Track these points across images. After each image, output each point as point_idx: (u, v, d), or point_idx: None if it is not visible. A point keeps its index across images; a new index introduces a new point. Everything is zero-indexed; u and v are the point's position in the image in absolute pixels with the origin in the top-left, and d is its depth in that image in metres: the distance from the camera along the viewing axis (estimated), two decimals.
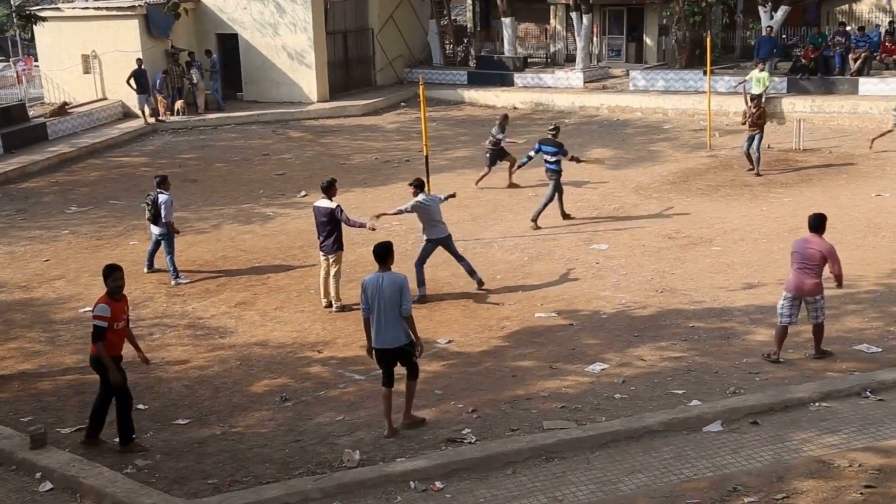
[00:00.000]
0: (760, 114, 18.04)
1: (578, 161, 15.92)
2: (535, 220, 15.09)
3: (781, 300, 9.67)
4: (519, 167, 16.84)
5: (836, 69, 24.91)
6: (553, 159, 15.07)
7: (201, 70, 26.81)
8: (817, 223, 9.62)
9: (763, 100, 19.72)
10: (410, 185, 12.19)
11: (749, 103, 18.77)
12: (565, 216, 15.44)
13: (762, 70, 21.05)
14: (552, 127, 15.97)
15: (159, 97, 25.92)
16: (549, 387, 9.22)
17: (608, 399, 8.84)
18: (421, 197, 12.01)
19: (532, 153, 15.71)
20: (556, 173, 15.08)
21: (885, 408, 8.30)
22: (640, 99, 26.09)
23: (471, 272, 12.29)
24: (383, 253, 8.32)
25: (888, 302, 11.22)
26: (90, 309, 9.46)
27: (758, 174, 17.85)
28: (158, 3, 26.37)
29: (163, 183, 13.12)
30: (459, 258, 12.30)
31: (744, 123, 18.39)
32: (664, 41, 30.49)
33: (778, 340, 9.68)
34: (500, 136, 17.55)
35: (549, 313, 11.46)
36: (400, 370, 8.43)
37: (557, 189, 15.16)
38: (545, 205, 15.13)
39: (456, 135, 24.08)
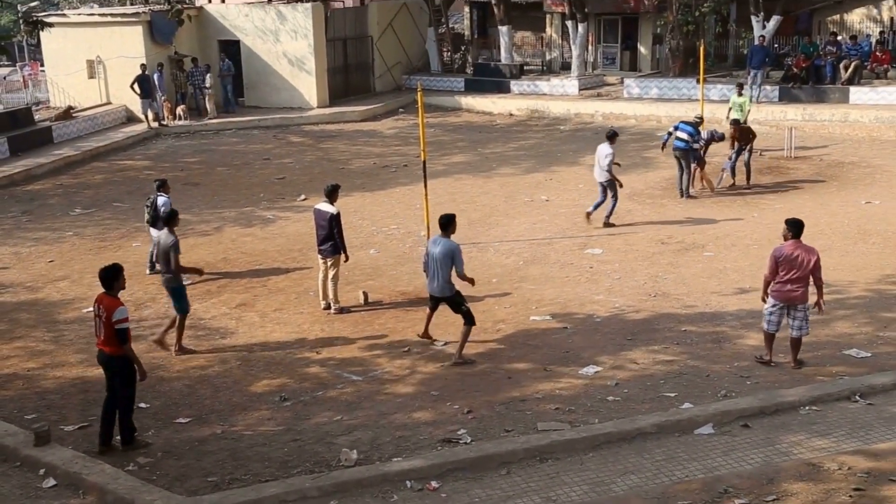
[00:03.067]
0: (742, 134, 17.62)
1: (700, 163, 17.20)
2: (688, 193, 17.00)
3: (769, 307, 9.69)
4: (663, 145, 17.69)
5: (827, 78, 25.17)
6: (685, 137, 16.61)
7: (207, 75, 27.02)
8: (800, 229, 9.60)
9: (744, 121, 18.59)
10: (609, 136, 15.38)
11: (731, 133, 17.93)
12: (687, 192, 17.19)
13: (740, 94, 19.78)
14: (698, 115, 17.70)
15: (165, 103, 26.10)
16: (543, 389, 9.29)
17: (601, 401, 8.91)
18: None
19: (671, 129, 17.21)
20: (682, 151, 16.71)
21: (875, 412, 8.38)
22: (635, 106, 26.31)
23: (597, 206, 15.35)
24: (444, 222, 10.21)
25: (878, 307, 11.32)
26: (91, 309, 9.57)
27: (748, 186, 17.73)
28: (162, 9, 26.65)
29: (162, 186, 13.26)
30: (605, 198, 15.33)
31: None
32: (658, 50, 30.76)
33: (768, 345, 9.79)
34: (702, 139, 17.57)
35: (543, 316, 11.53)
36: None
37: (695, 160, 16.94)
38: (689, 178, 17.00)
39: (453, 140, 24.24)
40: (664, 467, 7.46)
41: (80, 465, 7.72)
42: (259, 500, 7.12)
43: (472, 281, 10.46)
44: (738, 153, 17.74)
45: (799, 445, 7.71)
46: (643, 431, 8.07)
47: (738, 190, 17.68)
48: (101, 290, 8.23)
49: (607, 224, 15.33)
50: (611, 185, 15.24)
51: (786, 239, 9.64)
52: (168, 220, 10.81)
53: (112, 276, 8.17)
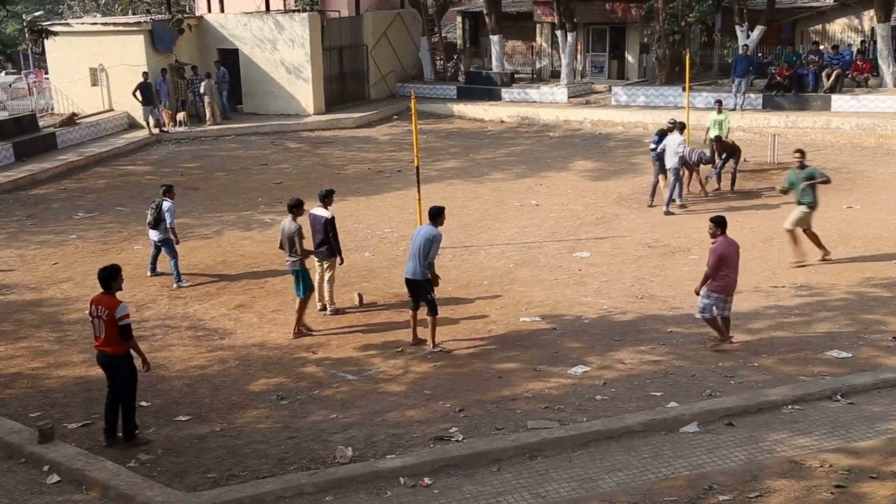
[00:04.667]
0: (725, 147, 17.99)
1: (690, 168, 17.59)
2: (652, 199, 17.15)
3: (712, 301, 10.07)
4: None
5: (809, 86, 25.57)
6: (653, 146, 17.08)
7: (207, 82, 27.17)
8: (726, 225, 10.12)
9: (725, 136, 18.60)
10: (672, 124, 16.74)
11: (713, 148, 18.19)
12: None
13: (720, 112, 19.14)
14: (671, 121, 17.48)
15: (166, 111, 26.25)
16: (533, 388, 9.40)
17: (589, 400, 9.03)
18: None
19: (655, 137, 17.43)
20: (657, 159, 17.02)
21: (855, 411, 8.49)
22: (622, 113, 26.60)
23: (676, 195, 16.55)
24: (434, 213, 10.66)
25: (858, 309, 11.47)
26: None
27: (732, 191, 18.00)
28: (163, 19, 26.99)
29: (168, 191, 13.46)
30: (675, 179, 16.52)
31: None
32: (645, 59, 31.08)
33: (717, 327, 10.23)
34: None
35: (533, 318, 11.65)
36: None
37: (662, 172, 17.08)
38: (672, 189, 16.84)
39: (446, 146, 24.44)
40: (650, 464, 7.53)
41: (83, 462, 7.81)
42: (257, 496, 7.20)
43: (436, 278, 10.68)
44: (725, 161, 18.05)
45: (782, 443, 7.77)
46: (630, 429, 8.17)
47: (723, 195, 17.90)
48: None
49: (682, 206, 16.68)
50: (675, 172, 16.46)
51: (714, 237, 10.05)
52: (293, 208, 11.36)
53: (110, 277, 8.31)
